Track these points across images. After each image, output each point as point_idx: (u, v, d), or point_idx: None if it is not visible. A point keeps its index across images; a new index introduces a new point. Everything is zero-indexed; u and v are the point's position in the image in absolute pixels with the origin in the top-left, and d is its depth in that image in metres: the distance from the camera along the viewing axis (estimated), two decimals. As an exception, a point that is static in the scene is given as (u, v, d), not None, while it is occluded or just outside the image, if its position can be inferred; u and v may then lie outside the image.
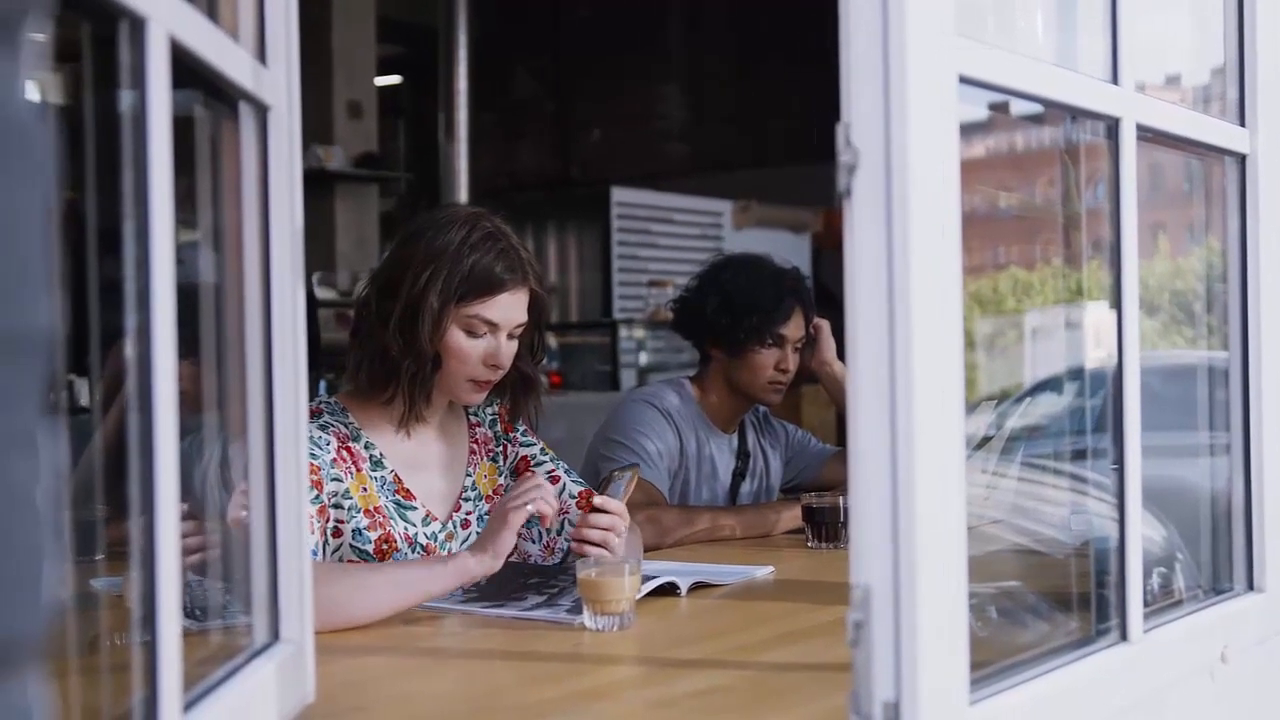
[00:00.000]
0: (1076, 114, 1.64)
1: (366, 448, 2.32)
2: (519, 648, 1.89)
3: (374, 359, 2.29)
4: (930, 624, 1.22)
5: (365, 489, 2.28)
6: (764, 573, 2.46)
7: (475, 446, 2.48)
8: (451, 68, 9.12)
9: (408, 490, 2.33)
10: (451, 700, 1.70)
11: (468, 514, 2.42)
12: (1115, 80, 1.60)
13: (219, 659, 1.34)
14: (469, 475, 2.44)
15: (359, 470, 2.28)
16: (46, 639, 0.65)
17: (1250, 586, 1.92)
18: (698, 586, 2.29)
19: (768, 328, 3.10)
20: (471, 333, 2.28)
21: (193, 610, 1.38)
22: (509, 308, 2.30)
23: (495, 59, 9.83)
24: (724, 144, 9.79)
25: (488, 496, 2.45)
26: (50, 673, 0.70)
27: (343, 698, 1.62)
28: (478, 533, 2.38)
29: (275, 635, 1.44)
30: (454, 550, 2.33)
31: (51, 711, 0.69)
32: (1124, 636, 1.59)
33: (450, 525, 2.38)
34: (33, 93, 0.65)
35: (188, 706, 1.13)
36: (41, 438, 0.65)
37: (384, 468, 2.32)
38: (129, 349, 1.05)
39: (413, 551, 2.30)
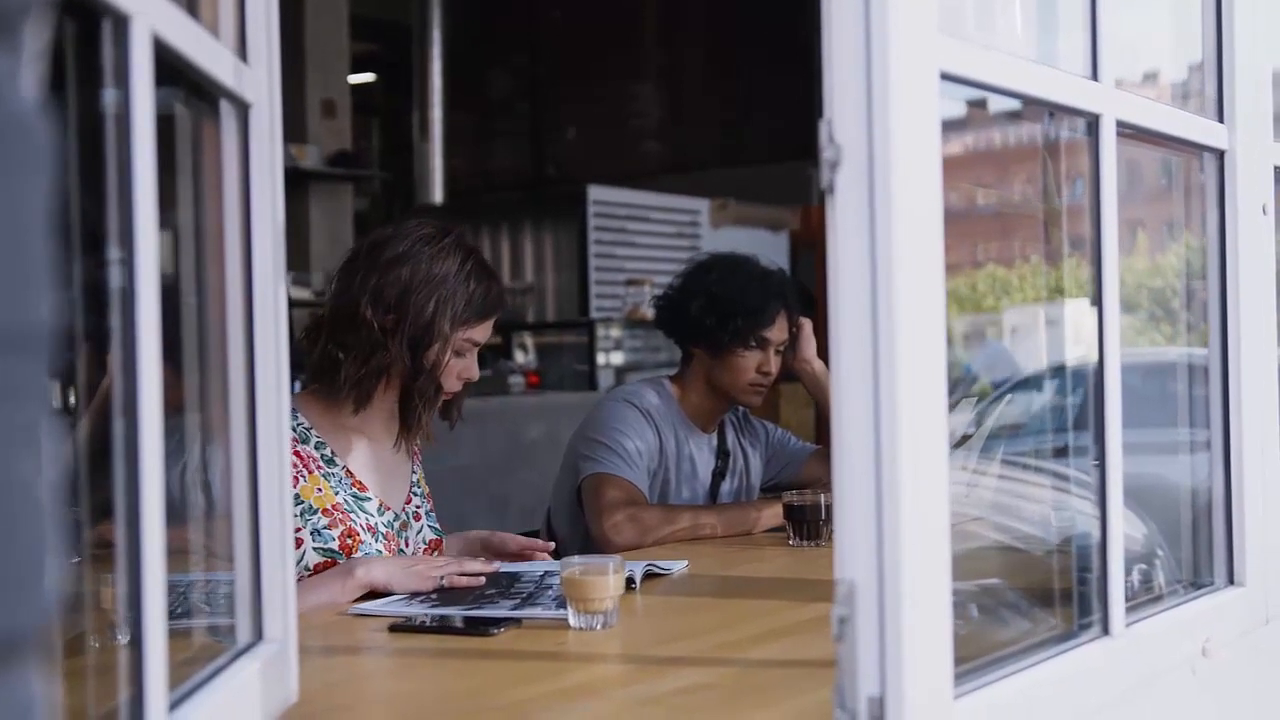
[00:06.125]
0: (1057, 110, 1.65)
1: (317, 447, 2.40)
2: (502, 647, 1.89)
3: (374, 375, 2.38)
4: (915, 618, 1.23)
5: (320, 489, 2.36)
6: (679, 567, 2.48)
7: (415, 450, 2.61)
8: (426, 66, 9.12)
9: (360, 483, 2.43)
10: (435, 699, 1.69)
11: (417, 508, 2.55)
12: (1095, 76, 1.61)
13: (202, 659, 1.34)
14: (414, 473, 2.58)
15: (311, 472, 2.36)
16: (48, 633, 0.65)
17: (1230, 581, 1.93)
18: (650, 576, 2.35)
19: (752, 331, 3.10)
20: (458, 353, 2.42)
21: (173, 610, 1.38)
22: (490, 329, 2.48)
23: (470, 57, 9.83)
24: (701, 142, 9.82)
25: (427, 495, 2.61)
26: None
27: (326, 697, 1.61)
28: (429, 525, 2.55)
29: (259, 635, 1.43)
30: (409, 540, 2.49)
31: (52, 704, 0.69)
32: (1106, 630, 1.60)
33: (404, 515, 2.50)
34: (32, 90, 0.65)
35: (173, 706, 1.13)
36: (44, 432, 0.65)
37: (337, 464, 2.41)
38: (113, 350, 1.04)
39: (375, 540, 2.39)
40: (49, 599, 0.64)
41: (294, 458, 2.31)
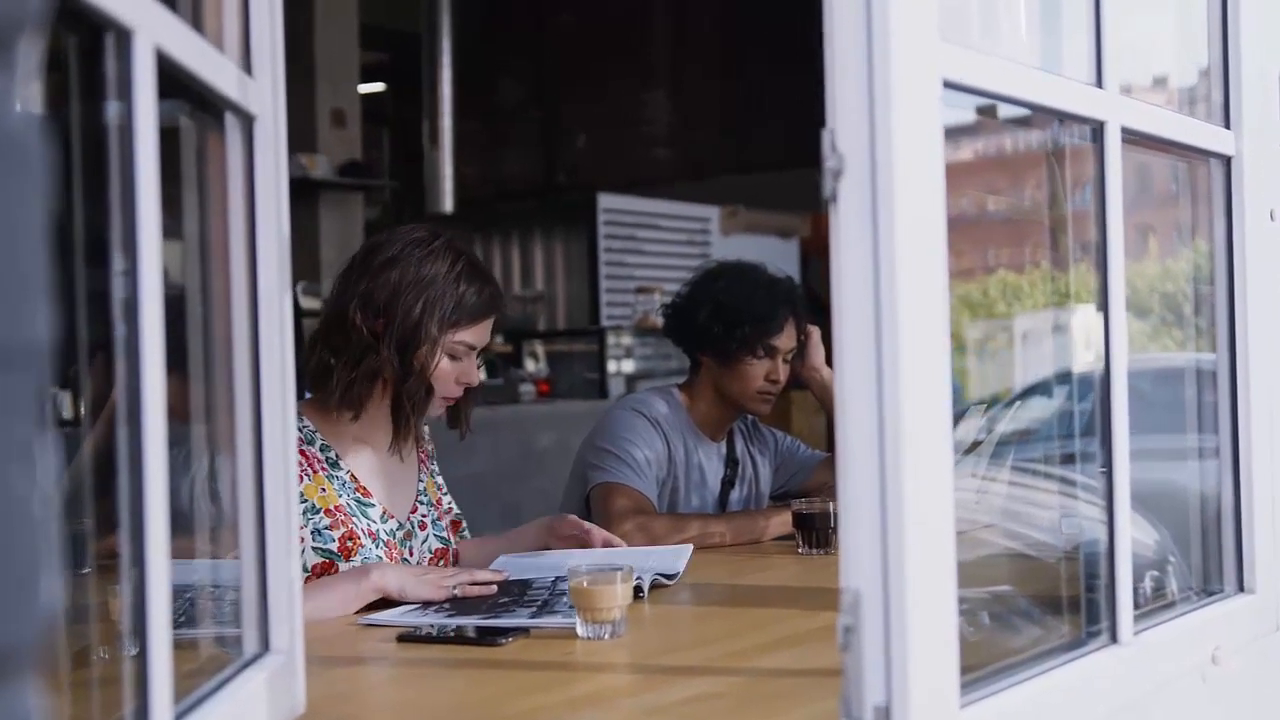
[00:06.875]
0: (1061, 117, 1.65)
1: (322, 450, 2.41)
2: (510, 657, 1.89)
3: (365, 379, 2.38)
4: (920, 627, 1.22)
5: (324, 490, 2.37)
6: (685, 554, 2.53)
7: (423, 457, 2.61)
8: (435, 74, 9.11)
9: (365, 488, 2.43)
10: (443, 710, 1.69)
11: (423, 517, 2.55)
12: (1099, 83, 1.60)
13: (209, 669, 1.34)
14: (420, 481, 2.57)
15: (316, 472, 2.37)
16: (44, 646, 0.66)
17: (1240, 588, 1.92)
18: (656, 586, 2.35)
19: (760, 339, 3.09)
20: (453, 356, 2.42)
21: (179, 618, 1.38)
22: (487, 331, 2.46)
23: (480, 66, 9.83)
24: (711, 149, 9.79)
25: (435, 503, 2.59)
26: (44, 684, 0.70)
27: (333, 709, 1.61)
28: (434, 535, 2.54)
29: (265, 646, 1.43)
30: (414, 549, 2.49)
31: (51, 717, 0.69)
32: (1114, 638, 1.59)
33: (409, 525, 2.50)
34: (29, 105, 0.65)
35: (178, 717, 1.13)
36: (38, 448, 0.65)
37: (341, 469, 2.41)
38: (117, 361, 1.04)
39: (376, 546, 2.39)
40: (45, 613, 0.65)
41: (299, 457, 2.32)
